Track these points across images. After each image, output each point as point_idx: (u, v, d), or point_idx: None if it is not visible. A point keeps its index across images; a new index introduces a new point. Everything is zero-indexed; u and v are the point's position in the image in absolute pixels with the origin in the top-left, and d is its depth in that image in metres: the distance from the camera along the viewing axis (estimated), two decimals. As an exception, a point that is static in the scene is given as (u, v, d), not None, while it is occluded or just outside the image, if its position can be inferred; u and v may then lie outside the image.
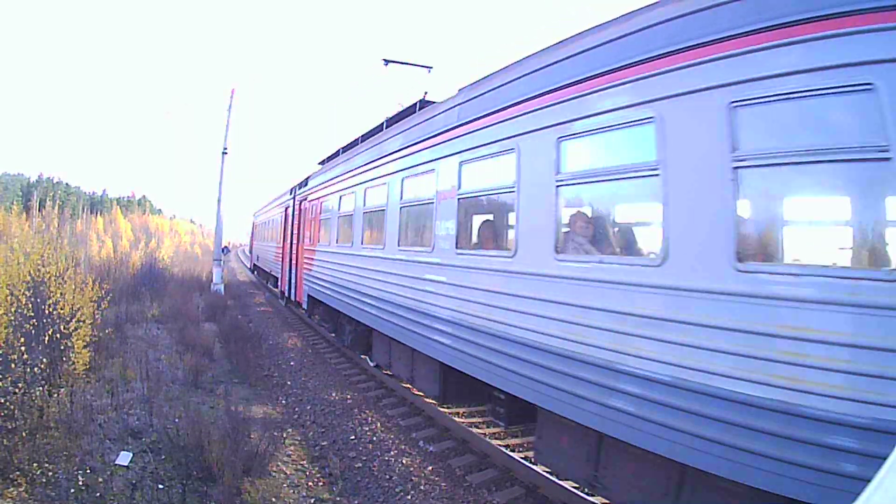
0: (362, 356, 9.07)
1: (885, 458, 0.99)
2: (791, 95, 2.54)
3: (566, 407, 3.64)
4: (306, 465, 5.16)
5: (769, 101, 2.63)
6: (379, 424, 6.28)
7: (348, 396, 7.34)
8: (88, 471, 4.38)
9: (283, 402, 7.15)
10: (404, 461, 5.24)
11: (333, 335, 10.75)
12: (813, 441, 2.33)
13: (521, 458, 4.99)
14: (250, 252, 33.93)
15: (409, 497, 4.55)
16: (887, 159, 2.23)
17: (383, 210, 7.05)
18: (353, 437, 5.88)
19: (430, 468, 5.10)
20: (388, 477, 4.91)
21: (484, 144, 4.82)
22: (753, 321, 2.58)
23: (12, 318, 6.03)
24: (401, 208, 6.61)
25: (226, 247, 21.16)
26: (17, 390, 4.85)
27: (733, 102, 2.75)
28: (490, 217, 5.34)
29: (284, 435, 5.71)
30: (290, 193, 15.27)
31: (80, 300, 6.91)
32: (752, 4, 2.75)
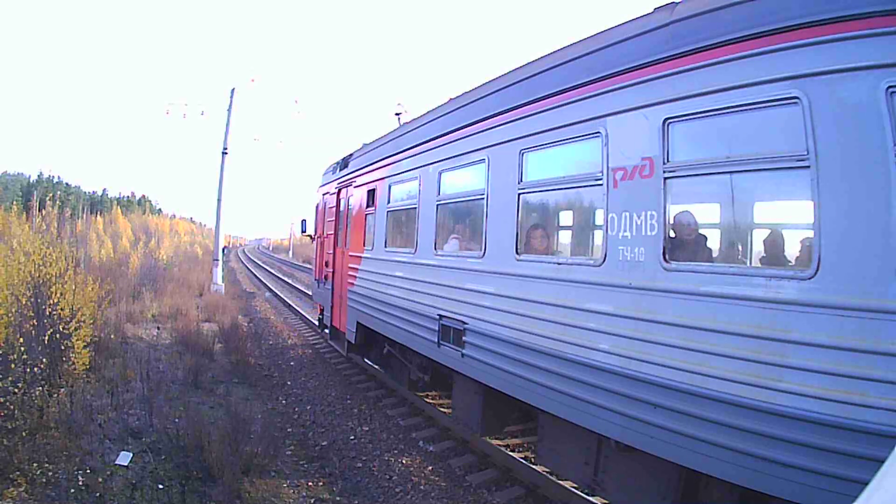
0: None
1: None
2: None
3: None
4: (306, 465, 5.16)
5: None
6: (379, 424, 6.28)
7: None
8: (88, 471, 4.38)
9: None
10: (404, 461, 5.24)
11: None
12: None
13: (521, 458, 4.99)
14: (324, 279, 8.94)
15: (409, 497, 4.55)
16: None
17: None
18: (352, 437, 5.89)
19: (429, 468, 5.10)
20: (388, 477, 4.91)
21: None
22: None
23: (12, 318, 6.03)
24: None
25: (225, 246, 21.52)
26: (17, 390, 4.86)
27: None
28: None
29: (284, 434, 5.72)
30: None
31: (80, 300, 6.91)
32: None
